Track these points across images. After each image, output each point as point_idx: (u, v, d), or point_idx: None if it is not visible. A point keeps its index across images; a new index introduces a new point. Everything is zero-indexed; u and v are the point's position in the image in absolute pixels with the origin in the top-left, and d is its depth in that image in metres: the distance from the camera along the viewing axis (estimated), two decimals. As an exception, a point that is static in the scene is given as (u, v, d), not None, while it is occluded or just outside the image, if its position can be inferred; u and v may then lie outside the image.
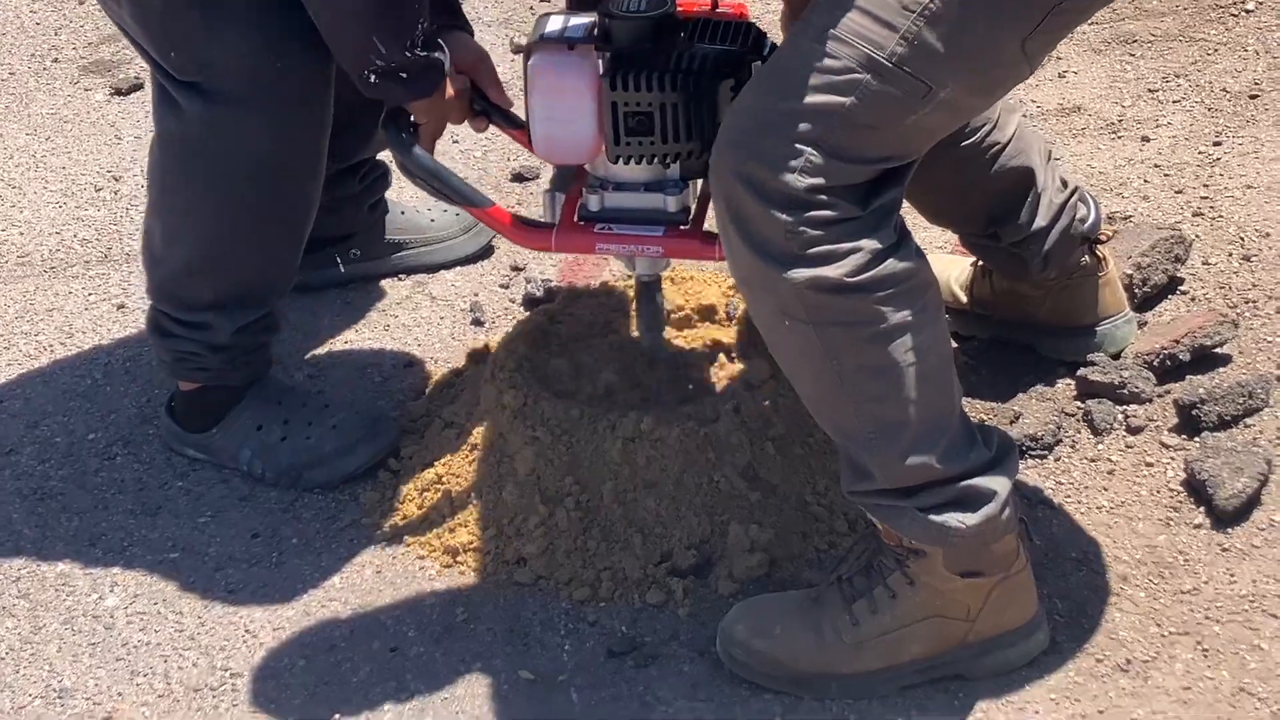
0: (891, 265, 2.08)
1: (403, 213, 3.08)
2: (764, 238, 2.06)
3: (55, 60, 3.86)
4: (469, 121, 2.52)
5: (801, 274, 2.05)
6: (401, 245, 3.06)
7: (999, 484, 2.19)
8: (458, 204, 2.42)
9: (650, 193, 2.37)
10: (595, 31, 2.31)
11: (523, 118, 2.42)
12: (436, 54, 2.35)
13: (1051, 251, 2.60)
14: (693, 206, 2.41)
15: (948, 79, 2.04)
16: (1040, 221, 2.57)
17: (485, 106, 2.52)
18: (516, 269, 3.09)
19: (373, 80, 2.32)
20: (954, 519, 2.17)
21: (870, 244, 2.07)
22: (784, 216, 2.04)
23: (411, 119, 2.39)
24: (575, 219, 2.40)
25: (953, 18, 2.01)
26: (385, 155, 2.94)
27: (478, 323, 2.97)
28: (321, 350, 2.95)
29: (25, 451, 2.77)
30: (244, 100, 2.40)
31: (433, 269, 3.08)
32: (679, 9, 2.32)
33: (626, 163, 2.32)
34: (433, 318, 3.00)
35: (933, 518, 2.17)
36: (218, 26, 2.37)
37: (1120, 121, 3.37)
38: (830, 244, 2.05)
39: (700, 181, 2.42)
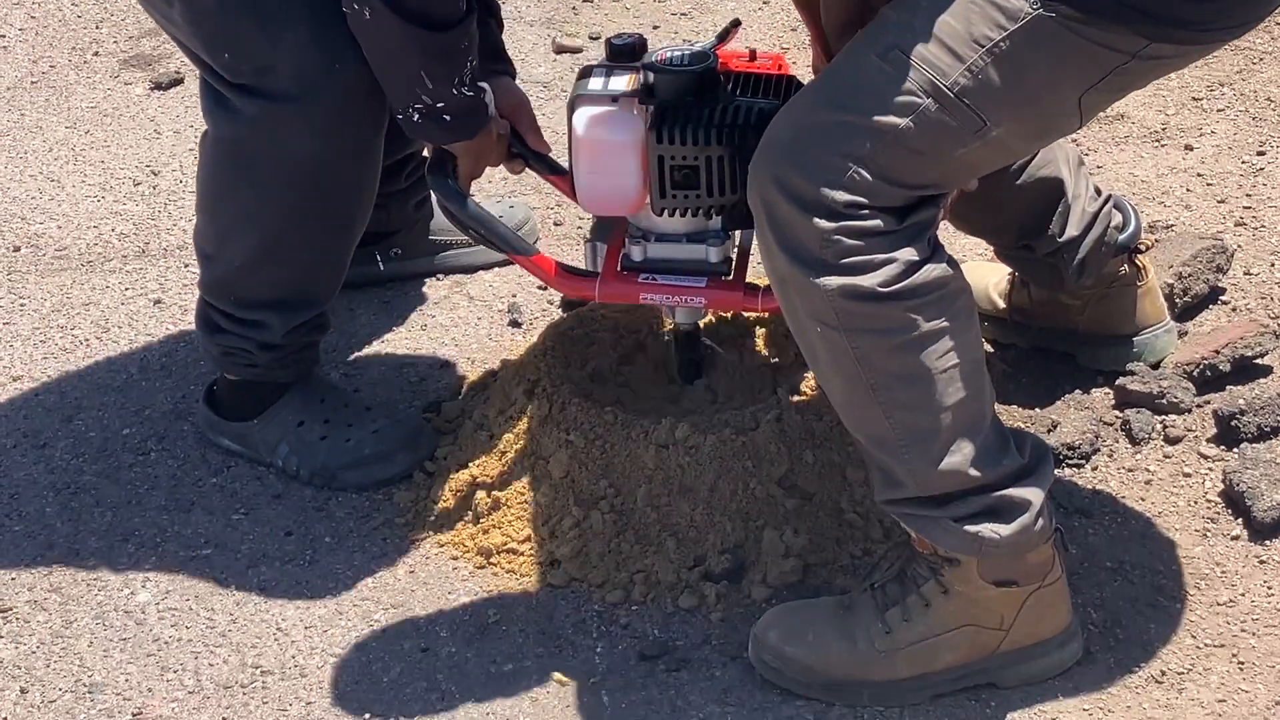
0: (925, 274, 2.08)
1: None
2: (798, 242, 2.06)
3: (96, 54, 3.87)
4: (505, 165, 2.57)
5: (835, 281, 2.05)
6: (446, 245, 3.06)
7: (1033, 494, 2.18)
8: (503, 252, 2.47)
9: (692, 244, 2.42)
10: (638, 85, 2.35)
11: (560, 163, 2.49)
12: (482, 95, 2.36)
13: (1086, 260, 2.59)
14: (733, 257, 2.45)
15: (1003, 118, 2.06)
16: (1072, 231, 2.56)
17: (523, 150, 2.58)
18: (555, 224, 3.09)
19: (416, 120, 2.33)
20: (988, 529, 2.16)
21: (905, 255, 2.07)
22: (821, 224, 2.04)
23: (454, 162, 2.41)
24: (619, 268, 2.44)
25: (1019, 60, 2.03)
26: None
27: (515, 324, 2.97)
28: (359, 348, 2.95)
29: (59, 445, 2.77)
30: (299, 101, 2.39)
31: (472, 270, 3.08)
32: (719, 62, 2.35)
33: (671, 215, 2.36)
34: (470, 318, 3.00)
35: (967, 528, 2.16)
36: (273, 29, 2.37)
37: (1164, 130, 3.35)
38: (865, 255, 2.05)
39: (740, 233, 2.46)
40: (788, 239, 2.07)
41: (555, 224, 3.17)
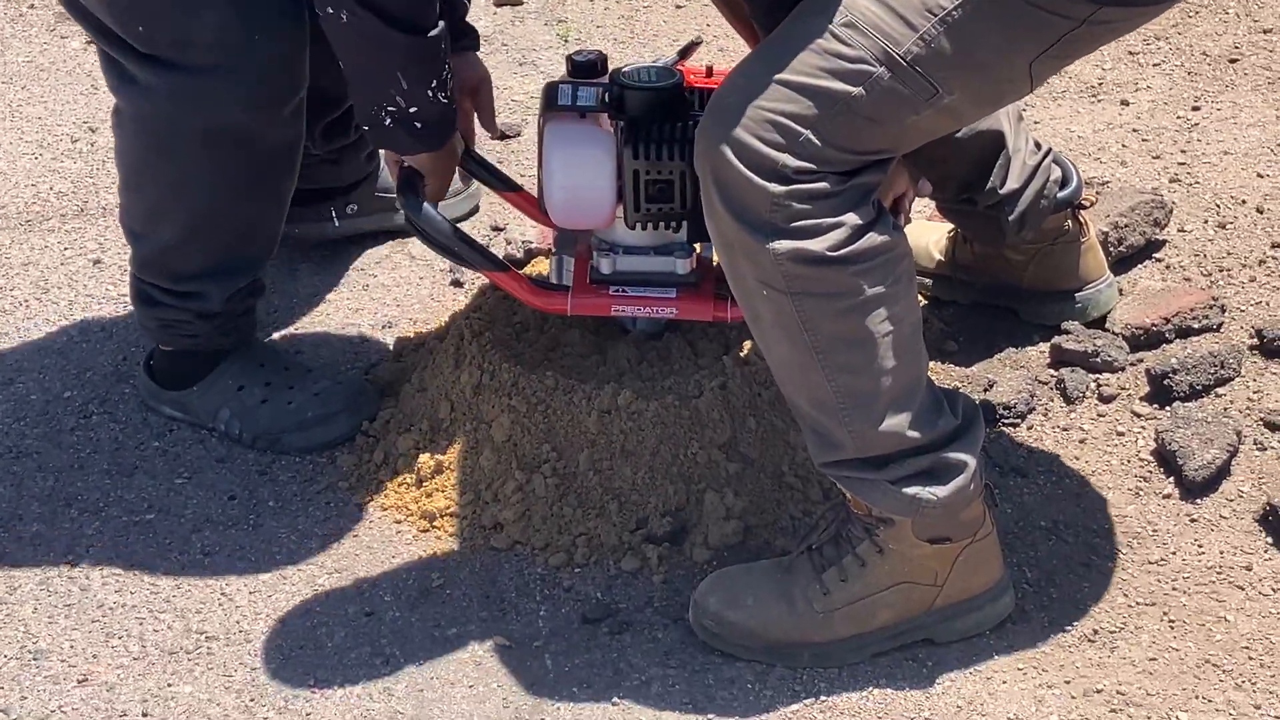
0: (871, 239, 2.10)
1: None
2: (746, 205, 2.08)
3: (31, 6, 3.83)
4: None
5: (784, 245, 2.07)
6: (396, 205, 3.04)
7: (968, 455, 2.22)
8: (475, 268, 2.49)
9: (660, 256, 2.47)
10: (606, 99, 2.40)
11: (513, 180, 2.61)
12: (453, 105, 2.36)
13: (1026, 213, 2.61)
14: (698, 268, 2.50)
15: (955, 85, 2.07)
16: (1013, 184, 2.58)
17: (476, 168, 2.63)
18: (497, 229, 3.09)
19: (388, 124, 2.32)
20: (925, 491, 2.19)
21: (852, 219, 2.09)
22: (772, 188, 2.06)
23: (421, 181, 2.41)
24: (588, 281, 2.48)
25: (970, 29, 2.04)
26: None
27: (457, 283, 2.97)
28: (299, 309, 2.94)
29: (0, 409, 2.76)
30: (217, 73, 2.37)
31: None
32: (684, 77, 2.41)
33: (644, 228, 2.40)
34: (412, 278, 3.00)
35: (904, 490, 2.19)
36: (190, 1, 2.34)
37: (1100, 85, 3.37)
38: (814, 218, 2.07)
39: (701, 245, 2.51)
40: (736, 204, 2.08)
41: (495, 229, 3.12)
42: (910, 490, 2.19)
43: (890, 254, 2.13)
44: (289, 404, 2.64)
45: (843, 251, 2.08)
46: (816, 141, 2.05)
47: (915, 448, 2.19)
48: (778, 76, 2.07)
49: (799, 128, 2.05)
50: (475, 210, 3.12)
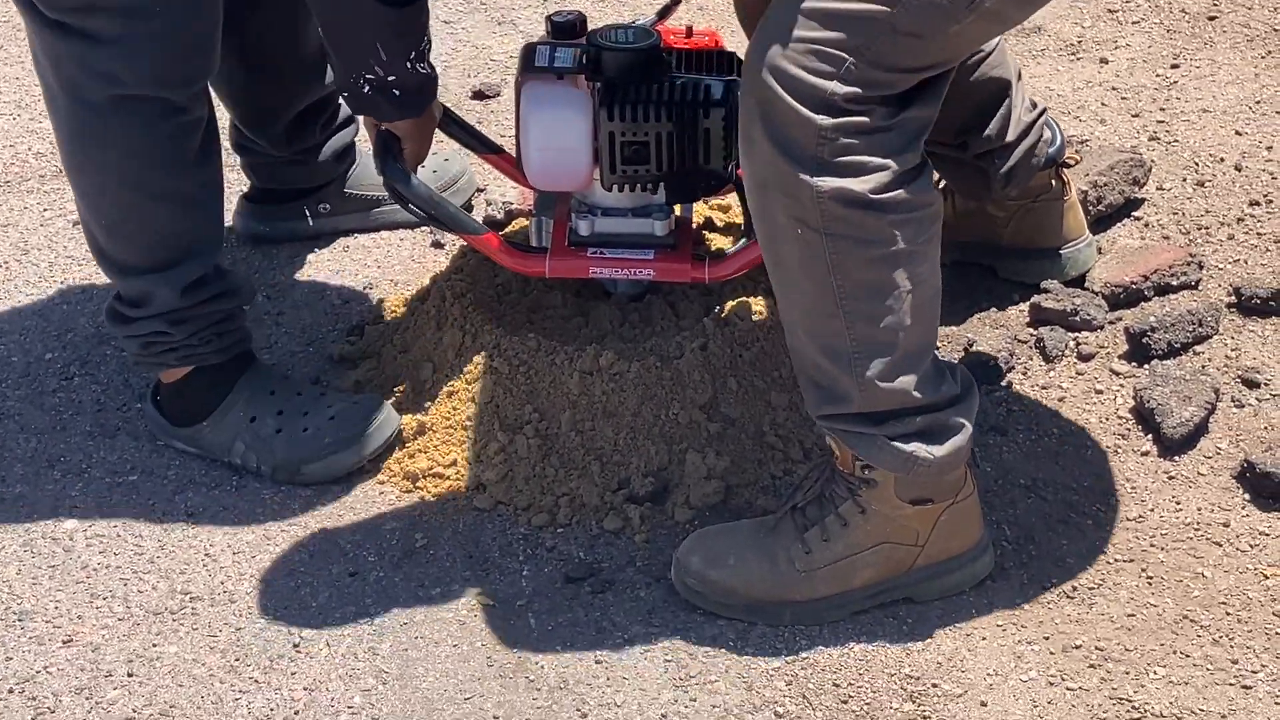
0: (913, 190, 2.10)
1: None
2: (792, 139, 2.06)
3: (7, -35, 3.81)
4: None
5: (828, 183, 2.06)
6: (377, 201, 2.97)
7: (965, 419, 2.23)
8: (454, 232, 2.48)
9: (638, 218, 2.47)
10: (583, 61, 2.38)
11: (494, 141, 2.57)
12: (433, 73, 2.34)
13: (1015, 169, 2.62)
14: (675, 229, 2.50)
15: None
16: (1009, 135, 2.59)
17: (455, 129, 2.61)
18: (478, 189, 3.09)
19: (366, 91, 2.29)
20: (921, 449, 2.20)
21: (897, 163, 2.08)
22: (820, 119, 2.04)
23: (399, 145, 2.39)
24: (566, 243, 2.48)
25: None
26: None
27: (438, 245, 2.97)
28: (280, 272, 2.94)
29: (-18, 371, 2.77)
30: (116, 44, 2.29)
31: (411, 226, 2.98)
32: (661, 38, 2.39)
33: (620, 190, 2.40)
34: (392, 239, 3.00)
35: (901, 446, 2.20)
36: None
37: (1079, 42, 3.38)
38: (860, 155, 2.06)
39: (680, 206, 2.51)
40: (781, 137, 2.06)
41: (476, 190, 3.09)
42: (908, 447, 2.20)
43: (927, 210, 2.13)
44: (304, 431, 2.53)
45: (884, 196, 2.07)
46: (863, 64, 2.03)
47: (917, 407, 2.20)
48: (815, 6, 2.05)
49: (843, 53, 2.03)
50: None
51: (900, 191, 2.09)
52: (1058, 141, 2.69)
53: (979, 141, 2.59)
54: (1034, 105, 2.64)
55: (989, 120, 2.57)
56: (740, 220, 2.69)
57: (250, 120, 2.82)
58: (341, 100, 2.37)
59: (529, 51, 2.45)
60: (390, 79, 2.28)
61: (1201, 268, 2.77)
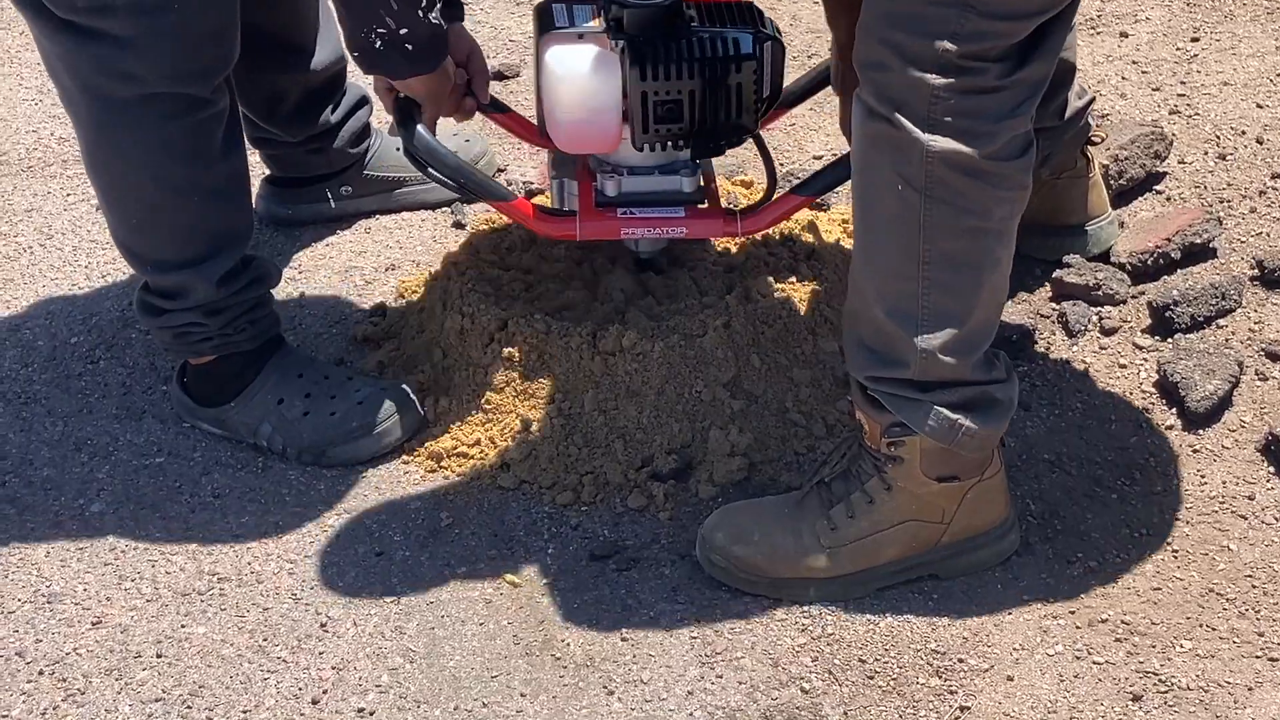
0: (1017, 166, 2.10)
1: (398, 149, 2.90)
2: (905, 100, 2.05)
3: (26, -49, 3.81)
4: (456, 114, 2.53)
5: (940, 142, 2.05)
6: (400, 182, 2.98)
7: (1009, 398, 2.24)
8: (481, 198, 2.45)
9: (665, 175, 2.43)
10: (605, 20, 2.33)
11: (504, 102, 2.51)
12: (443, 26, 2.30)
13: (1057, 151, 2.62)
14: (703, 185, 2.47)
15: None
16: (1064, 117, 2.59)
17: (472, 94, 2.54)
18: (498, 170, 3.09)
19: (379, 46, 2.26)
20: (965, 420, 2.20)
21: (1008, 131, 2.07)
22: (933, 79, 2.03)
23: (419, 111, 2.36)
24: (594, 204, 2.44)
25: None
26: (359, 79, 2.87)
27: (459, 225, 2.98)
28: (304, 253, 2.95)
29: (8, 355, 2.78)
30: (132, 43, 2.27)
31: (433, 206, 2.99)
32: None
33: (652, 149, 2.37)
34: (414, 220, 3.01)
35: (947, 413, 2.20)
36: None
37: (1099, 17, 3.37)
38: (973, 117, 2.05)
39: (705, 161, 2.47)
40: (894, 97, 2.06)
41: (496, 169, 3.10)
42: (953, 415, 2.20)
43: (1023, 192, 2.13)
44: (332, 414, 2.53)
45: (991, 164, 2.06)
46: (974, 16, 2.01)
47: (968, 381, 2.20)
48: None
49: (954, 10, 2.01)
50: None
51: (1008, 164, 2.08)
52: (1091, 126, 2.70)
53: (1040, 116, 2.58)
54: (1083, 93, 2.64)
55: (1051, 101, 2.56)
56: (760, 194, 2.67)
57: (256, 109, 2.79)
58: (352, 59, 2.34)
59: (545, 10, 2.41)
60: (402, 31, 2.26)
61: (1220, 223, 2.76)
